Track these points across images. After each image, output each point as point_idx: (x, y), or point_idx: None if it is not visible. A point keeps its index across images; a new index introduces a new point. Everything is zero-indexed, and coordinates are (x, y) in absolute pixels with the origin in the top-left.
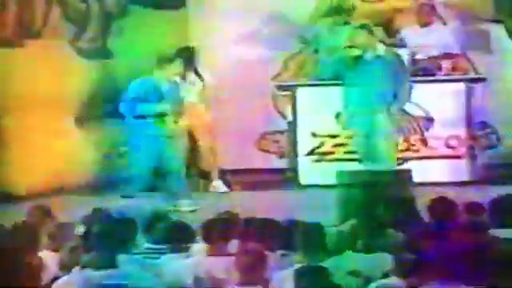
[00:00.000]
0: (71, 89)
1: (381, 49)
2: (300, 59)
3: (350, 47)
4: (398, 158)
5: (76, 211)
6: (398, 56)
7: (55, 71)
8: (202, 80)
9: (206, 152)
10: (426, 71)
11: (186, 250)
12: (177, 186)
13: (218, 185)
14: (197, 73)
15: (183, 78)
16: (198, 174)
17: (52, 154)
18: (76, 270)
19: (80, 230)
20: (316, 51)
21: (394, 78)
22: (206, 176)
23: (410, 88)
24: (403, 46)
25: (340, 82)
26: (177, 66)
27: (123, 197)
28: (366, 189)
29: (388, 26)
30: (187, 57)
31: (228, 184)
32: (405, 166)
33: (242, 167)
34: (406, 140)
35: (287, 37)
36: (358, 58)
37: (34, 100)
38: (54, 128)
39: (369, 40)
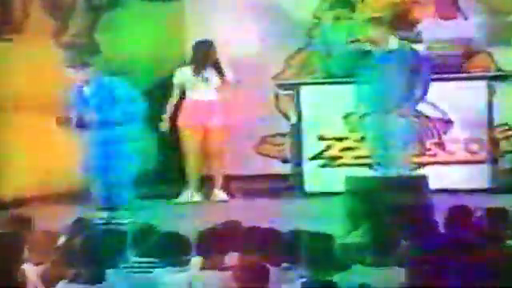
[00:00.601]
0: (56, 87)
1: (394, 43)
2: (303, 56)
3: (360, 42)
4: (412, 163)
5: (60, 221)
6: (413, 50)
7: (38, 68)
8: (222, 76)
9: (213, 156)
10: (444, 68)
11: (183, 263)
12: (121, 197)
13: (218, 193)
14: (217, 68)
15: (198, 74)
16: (199, 179)
17: (35, 158)
18: (61, 284)
19: (61, 240)
20: (321, 47)
21: (410, 74)
22: (208, 182)
23: (428, 84)
24: (420, 40)
25: (348, 79)
26: (88, 70)
27: (101, 209)
28: (377, 197)
29: (404, 19)
30: (203, 51)
31: (228, 191)
32: (420, 172)
33: (241, 173)
34: (422, 144)
35: (289, 32)
36: (369, 54)
37: (14, 100)
38: (38, 130)
39: (380, 34)
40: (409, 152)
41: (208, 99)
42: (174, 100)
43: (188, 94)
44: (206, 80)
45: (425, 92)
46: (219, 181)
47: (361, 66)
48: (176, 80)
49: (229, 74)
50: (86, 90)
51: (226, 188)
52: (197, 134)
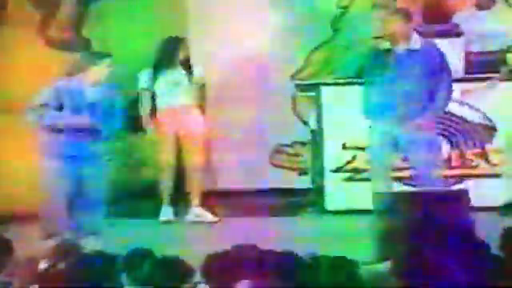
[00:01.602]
0: (36, 89)
1: (416, 40)
2: (325, 52)
3: (379, 38)
4: (451, 177)
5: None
6: (437, 50)
7: (21, 65)
8: (192, 77)
9: (193, 169)
10: (486, 66)
11: None
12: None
13: (198, 213)
14: (188, 69)
15: (165, 75)
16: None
17: (15, 169)
18: None
19: (43, 266)
20: (346, 42)
21: (432, 76)
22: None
23: (450, 89)
24: (458, 34)
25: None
26: (102, 69)
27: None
28: (410, 215)
29: (439, 9)
30: (174, 50)
31: (237, 208)
32: (460, 187)
33: (252, 187)
34: (462, 154)
35: (310, 24)
36: (387, 52)
37: None
38: (18, 136)
39: (402, 29)
40: (434, 163)
41: (180, 104)
42: (148, 108)
43: (158, 99)
44: (182, 82)
45: (449, 95)
46: (196, 198)
47: (374, 66)
48: (143, 84)
49: (200, 76)
50: (87, 91)
51: (235, 205)
52: (170, 145)
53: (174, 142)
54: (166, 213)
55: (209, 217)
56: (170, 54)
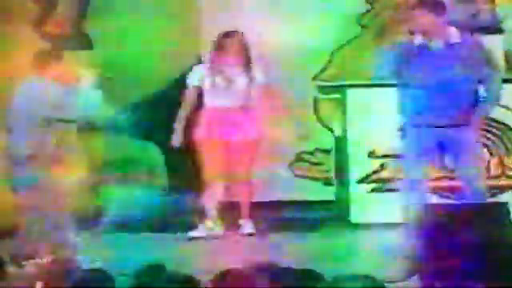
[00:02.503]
0: None
1: (454, 34)
2: (352, 50)
3: (411, 33)
4: (488, 187)
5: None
6: (478, 43)
7: (21, 64)
8: (252, 78)
9: (241, 180)
10: None
11: None
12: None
13: (243, 224)
14: (247, 68)
15: (219, 74)
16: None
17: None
18: None
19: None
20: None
21: (475, 72)
22: (231, 211)
23: (498, 87)
24: (501, 30)
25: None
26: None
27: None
28: (442, 230)
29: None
30: (229, 45)
31: (254, 222)
32: (499, 198)
33: (271, 199)
34: (501, 162)
35: (335, 20)
36: (421, 49)
37: None
38: None
39: (435, 22)
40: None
41: (233, 106)
42: (188, 107)
43: (207, 99)
44: (231, 81)
45: (497, 93)
46: (246, 210)
47: (410, 64)
48: (192, 81)
49: (259, 76)
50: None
51: (251, 218)
52: (220, 151)
53: (223, 148)
54: (210, 226)
55: (250, 229)
56: (224, 49)
